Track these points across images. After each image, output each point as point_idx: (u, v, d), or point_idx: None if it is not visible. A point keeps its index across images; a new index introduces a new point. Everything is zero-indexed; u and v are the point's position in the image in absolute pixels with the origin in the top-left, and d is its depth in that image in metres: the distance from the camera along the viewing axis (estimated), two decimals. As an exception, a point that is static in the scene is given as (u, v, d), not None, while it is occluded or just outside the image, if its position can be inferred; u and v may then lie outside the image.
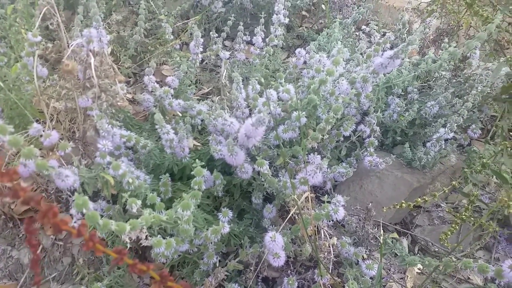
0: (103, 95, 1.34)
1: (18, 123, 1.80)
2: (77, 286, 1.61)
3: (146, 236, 1.06)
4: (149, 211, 1.09)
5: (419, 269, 1.48)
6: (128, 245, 1.03)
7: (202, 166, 1.22)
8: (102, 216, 0.91)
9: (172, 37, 2.33)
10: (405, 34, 1.87)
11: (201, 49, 1.73)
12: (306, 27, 2.88)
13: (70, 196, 1.62)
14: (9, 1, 2.34)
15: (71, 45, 1.43)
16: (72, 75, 1.33)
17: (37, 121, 1.82)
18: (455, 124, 1.52)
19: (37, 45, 1.59)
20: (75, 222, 1.14)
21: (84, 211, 0.85)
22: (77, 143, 1.67)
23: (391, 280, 1.43)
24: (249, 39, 2.09)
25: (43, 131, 1.20)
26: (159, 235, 1.11)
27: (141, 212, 1.09)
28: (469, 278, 1.47)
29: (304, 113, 1.26)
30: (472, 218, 1.36)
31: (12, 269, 1.68)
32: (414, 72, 1.59)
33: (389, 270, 1.46)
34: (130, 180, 1.19)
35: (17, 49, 2.04)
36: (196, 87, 2.42)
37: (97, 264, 1.68)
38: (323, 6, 2.76)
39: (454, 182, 1.32)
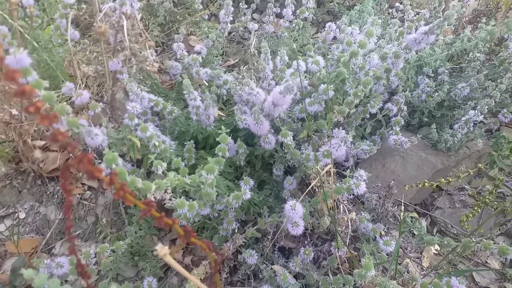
0: (133, 59, 1.35)
1: (50, 85, 1.84)
2: (99, 244, 1.68)
3: (170, 197, 1.10)
4: (173, 173, 1.11)
5: (436, 250, 1.48)
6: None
7: (229, 136, 1.24)
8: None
9: (201, 7, 2.31)
10: (441, 13, 1.81)
11: (231, 18, 1.72)
12: (337, 3, 2.81)
13: (96, 158, 1.67)
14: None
15: (104, 8, 1.45)
16: (104, 37, 1.34)
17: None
18: (486, 107, 1.49)
19: (71, 7, 1.61)
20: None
21: (114, 166, 0.88)
22: (105, 107, 1.71)
23: (407, 258, 1.43)
24: (278, 11, 2.06)
25: (75, 90, 1.23)
26: (182, 197, 1.14)
27: (165, 174, 1.12)
28: (486, 262, 1.46)
29: (332, 86, 1.25)
30: (495, 203, 1.34)
31: (39, 224, 1.76)
32: (448, 51, 1.54)
33: (406, 249, 1.47)
34: (157, 143, 1.22)
35: (49, 11, 2.07)
36: (223, 58, 2.42)
37: (119, 224, 1.74)
38: (356, -19, 2.69)
39: (480, 165, 1.29)
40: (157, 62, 2.38)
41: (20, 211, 1.77)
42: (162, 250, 0.65)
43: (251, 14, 2.20)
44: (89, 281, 0.83)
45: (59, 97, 1.62)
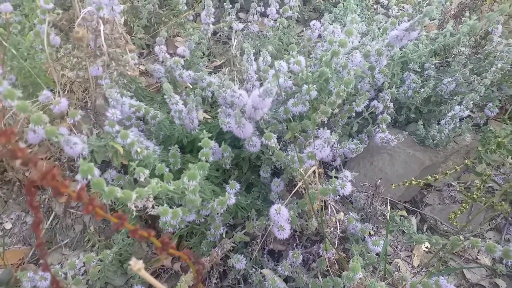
0: (113, 63, 1.33)
1: (32, 92, 1.81)
2: (88, 253, 1.65)
3: (153, 205, 1.07)
4: (156, 180, 1.09)
5: (426, 247, 1.47)
6: (134, 213, 1.04)
7: (210, 138, 1.22)
8: (112, 185, 0.92)
9: (185, 7, 2.29)
10: (424, 8, 1.79)
11: (213, 20, 1.69)
12: (323, 0, 2.80)
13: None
14: (23, -31, 2.33)
15: (82, 13, 1.42)
16: (83, 42, 1.32)
17: (50, 90, 1.83)
18: (471, 102, 1.48)
19: (49, 13, 1.58)
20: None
21: (89, 177, 0.85)
22: (89, 113, 1.68)
23: (397, 258, 1.42)
24: (263, 10, 2.04)
25: (53, 98, 1.20)
26: (166, 205, 1.11)
27: (149, 181, 1.10)
28: (477, 258, 1.45)
29: (315, 86, 1.23)
30: (484, 198, 1.33)
31: (26, 234, 1.73)
32: (431, 47, 1.53)
33: (396, 247, 1.46)
34: (139, 150, 1.20)
35: (31, 17, 2.04)
36: (209, 59, 2.40)
37: (108, 232, 1.72)
38: (341, -23, 2.67)
39: (467, 161, 1.29)
40: (142, 64, 2.35)
41: (6, 222, 1.74)
42: (136, 265, 0.63)
43: (237, 14, 2.18)
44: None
45: (39, 105, 1.59)
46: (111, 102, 1.25)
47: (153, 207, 1.08)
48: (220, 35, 2.53)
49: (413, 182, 1.26)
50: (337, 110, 1.31)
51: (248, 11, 2.78)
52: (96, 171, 0.86)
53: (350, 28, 1.18)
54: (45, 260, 0.68)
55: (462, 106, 1.50)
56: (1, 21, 1.75)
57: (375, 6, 2.21)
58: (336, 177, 1.17)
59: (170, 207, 1.13)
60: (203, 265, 0.96)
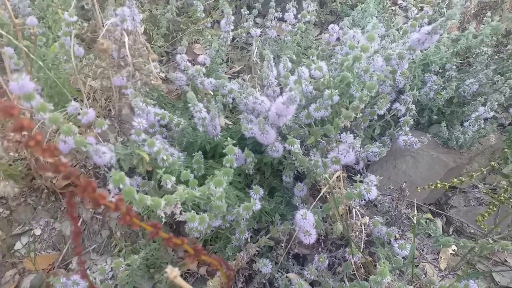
0: (137, 73, 1.36)
1: (57, 102, 1.86)
2: (115, 258, 1.69)
3: (181, 211, 1.10)
4: (183, 187, 1.12)
5: (453, 250, 1.45)
6: (163, 220, 1.06)
7: (234, 144, 1.23)
8: (137, 191, 0.94)
9: (203, 15, 2.32)
10: (444, 9, 1.78)
11: (232, 27, 1.72)
12: (340, 2, 2.79)
13: (107, 172, 1.68)
14: (46, -18, 2.40)
15: (106, 25, 1.46)
16: (107, 53, 1.36)
17: (75, 99, 1.88)
18: (496, 103, 1.46)
19: (73, 25, 1.62)
20: (112, 197, 1.18)
21: (121, 186, 0.88)
22: (113, 121, 1.72)
23: (423, 261, 1.41)
24: (280, 15, 2.06)
25: (81, 109, 1.24)
26: (192, 211, 1.14)
27: (175, 188, 1.12)
28: (506, 260, 1.43)
29: (336, 91, 1.23)
30: (511, 200, 1.31)
31: (55, 240, 1.77)
32: (453, 49, 1.52)
33: (422, 250, 1.45)
34: (165, 157, 1.22)
35: (54, 29, 2.10)
36: (227, 65, 2.42)
37: (133, 237, 1.75)
38: (357, -21, 2.66)
39: (493, 163, 1.27)
40: (162, 72, 2.39)
41: (36, 228, 1.79)
42: (172, 272, 0.65)
43: (254, 19, 2.20)
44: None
45: (66, 115, 1.63)
46: (136, 111, 1.28)
47: (180, 213, 1.11)
48: (237, 41, 2.55)
49: (438, 185, 1.25)
50: (356, 115, 1.31)
51: (265, 16, 2.81)
52: (127, 180, 0.88)
53: (372, 34, 1.19)
54: (83, 268, 0.71)
55: (486, 107, 1.48)
56: (26, 33, 1.81)
57: (393, 8, 2.20)
58: (361, 182, 1.17)
59: (197, 213, 1.15)
60: (233, 271, 0.97)
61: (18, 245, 1.72)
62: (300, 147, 1.29)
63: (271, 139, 1.23)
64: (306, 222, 1.13)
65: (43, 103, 0.96)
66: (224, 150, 1.22)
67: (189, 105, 1.31)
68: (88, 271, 1.62)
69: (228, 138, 1.20)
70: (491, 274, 1.38)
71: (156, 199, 0.99)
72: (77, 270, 1.61)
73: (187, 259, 0.71)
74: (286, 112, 1.06)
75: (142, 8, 2.41)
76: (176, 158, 1.35)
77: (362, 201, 1.16)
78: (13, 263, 1.68)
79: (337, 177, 1.23)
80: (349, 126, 1.33)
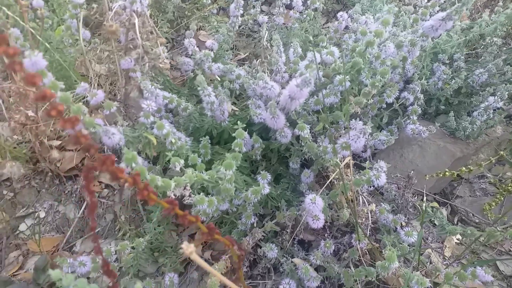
0: (145, 57, 1.35)
1: (64, 85, 1.85)
2: (119, 241, 1.69)
3: (190, 193, 1.10)
4: (191, 170, 1.11)
5: (457, 239, 1.46)
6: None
7: (244, 130, 1.23)
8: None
9: (209, 1, 2.30)
10: (455, -3, 1.77)
11: (241, 12, 1.70)
12: (346, -9, 2.77)
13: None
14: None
15: (114, 7, 1.44)
16: (116, 36, 1.34)
17: (79, 83, 1.87)
18: (506, 92, 1.45)
19: (81, 7, 1.61)
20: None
21: (133, 165, 0.88)
22: (119, 105, 1.72)
23: (428, 248, 1.42)
24: (288, 2, 2.04)
25: (90, 90, 1.23)
26: (202, 193, 1.14)
27: (183, 171, 1.12)
28: (510, 250, 1.43)
29: (347, 77, 1.23)
30: (518, 190, 1.31)
31: (59, 223, 1.78)
32: (465, 37, 1.51)
33: (427, 239, 1.45)
34: (173, 140, 1.22)
35: (59, 12, 2.08)
36: (233, 52, 2.41)
37: (137, 221, 1.75)
38: (365, -32, 2.64)
39: (502, 152, 1.27)
40: (167, 58, 2.38)
41: (40, 211, 1.79)
42: (188, 248, 0.65)
43: (260, 6, 2.18)
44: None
45: (73, 97, 1.62)
46: (145, 94, 1.27)
47: (189, 196, 1.11)
48: (243, 28, 2.53)
49: (447, 173, 1.25)
50: (368, 101, 1.31)
51: (271, 4, 2.79)
52: (140, 159, 0.88)
53: (387, 18, 1.18)
54: (98, 243, 0.70)
55: (496, 97, 1.47)
56: (30, 17, 1.79)
57: (401, -3, 2.18)
58: (370, 168, 1.17)
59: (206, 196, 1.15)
60: (245, 251, 0.97)
61: (22, 227, 1.72)
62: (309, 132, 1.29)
63: (281, 124, 1.22)
64: (315, 206, 1.13)
65: (54, 81, 0.96)
66: (233, 134, 1.22)
67: (199, 88, 1.30)
68: (92, 254, 1.63)
69: (238, 122, 1.20)
70: (495, 263, 1.39)
71: (166, 180, 0.99)
72: (91, 246, 1.62)
73: (204, 238, 0.71)
74: (299, 94, 1.05)
75: (148, -7, 2.39)
76: (184, 142, 1.35)
77: (370, 187, 1.16)
78: (17, 244, 1.68)
79: (345, 164, 1.23)
80: (358, 114, 1.33)
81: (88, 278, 1.53)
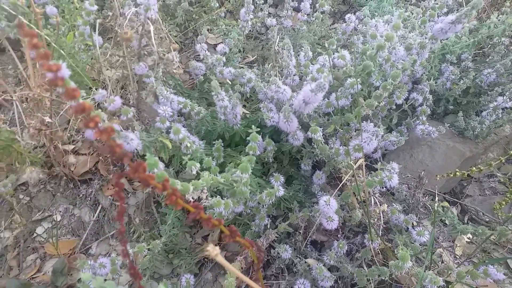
0: (160, 62, 1.38)
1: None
2: (134, 244, 1.72)
3: (206, 196, 1.12)
4: (207, 173, 1.14)
5: (468, 238, 1.47)
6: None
7: (257, 133, 1.26)
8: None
9: (217, 4, 2.32)
10: (463, -1, 1.79)
11: (252, 17, 1.73)
12: (352, -7, 2.79)
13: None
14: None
15: (128, 14, 1.47)
16: (130, 42, 1.37)
17: (89, 88, 1.91)
18: (515, 92, 1.47)
19: (94, 14, 1.64)
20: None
21: (155, 170, 0.90)
22: (132, 109, 1.75)
23: (439, 248, 1.44)
24: (295, 5, 2.06)
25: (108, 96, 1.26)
26: (218, 196, 1.16)
27: (198, 174, 1.15)
28: (521, 248, 1.45)
29: (358, 80, 1.25)
30: (528, 189, 1.33)
31: (75, 226, 1.81)
32: (474, 38, 1.53)
33: (438, 238, 1.47)
34: (188, 144, 1.25)
35: (70, 18, 2.11)
36: (241, 55, 2.43)
37: (151, 223, 1.79)
38: (371, -31, 2.66)
39: (511, 152, 1.29)
40: (178, 58, 2.41)
41: (56, 214, 1.82)
42: (214, 250, 0.67)
43: (267, 9, 2.20)
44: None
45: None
46: (161, 99, 1.30)
47: (206, 198, 1.14)
48: (251, 31, 2.55)
49: (457, 173, 1.27)
50: (378, 103, 1.33)
51: (277, 6, 2.81)
52: (161, 165, 0.91)
53: (397, 22, 1.20)
54: (125, 246, 0.73)
55: (505, 97, 1.49)
56: (42, 23, 1.82)
57: (408, -2, 2.20)
58: (382, 169, 1.19)
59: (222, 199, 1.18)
60: (264, 253, 1.00)
61: (39, 231, 1.75)
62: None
63: (294, 127, 1.25)
64: (329, 208, 1.16)
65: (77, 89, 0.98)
66: (248, 138, 1.24)
67: (212, 93, 1.33)
68: (108, 256, 1.66)
69: (252, 127, 1.22)
70: (506, 261, 1.41)
71: (185, 184, 1.02)
72: (119, 250, 1.65)
73: (226, 240, 0.74)
74: (314, 99, 1.07)
75: (156, -3, 2.42)
76: (198, 146, 1.38)
77: (382, 188, 1.19)
78: (34, 248, 1.72)
79: (358, 165, 1.25)
80: (369, 115, 1.35)
81: (104, 280, 1.56)
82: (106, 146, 0.59)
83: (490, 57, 1.72)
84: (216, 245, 1.67)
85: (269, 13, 2.73)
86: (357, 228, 1.46)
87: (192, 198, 1.06)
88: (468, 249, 1.45)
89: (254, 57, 2.43)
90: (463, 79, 1.62)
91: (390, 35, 1.18)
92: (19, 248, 1.69)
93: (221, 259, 0.69)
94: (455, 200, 1.62)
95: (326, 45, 1.37)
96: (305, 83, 1.32)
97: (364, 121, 1.37)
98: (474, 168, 1.28)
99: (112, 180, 1.81)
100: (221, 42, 2.37)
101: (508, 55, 1.64)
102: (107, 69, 1.99)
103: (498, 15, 1.54)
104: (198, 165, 1.17)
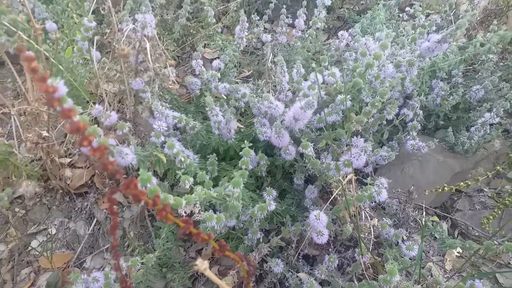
0: (156, 79, 1.41)
1: (74, 104, 1.91)
2: (128, 257, 1.73)
3: (199, 210, 1.14)
4: (200, 187, 1.16)
5: (458, 252, 1.49)
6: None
7: (249, 147, 1.28)
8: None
9: (214, 20, 2.37)
10: (452, 16, 1.83)
11: (246, 34, 1.77)
12: (347, 8, 2.85)
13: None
14: (60, -13, 2.46)
15: (125, 30, 1.51)
16: (127, 58, 1.41)
17: (87, 102, 1.94)
18: (502, 109, 1.50)
19: (92, 30, 1.67)
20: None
21: (148, 185, 0.93)
22: (129, 123, 1.77)
23: (430, 262, 1.46)
24: (290, 21, 2.10)
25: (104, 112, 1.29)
26: (210, 210, 1.18)
27: (191, 188, 1.17)
28: (509, 263, 1.47)
29: (348, 96, 1.28)
30: (516, 204, 1.36)
31: (70, 240, 1.82)
32: (461, 56, 1.57)
33: (428, 252, 1.49)
34: (183, 159, 1.27)
35: (69, 33, 2.15)
36: (237, 70, 2.47)
37: (145, 237, 1.80)
38: (365, -14, 2.72)
39: (498, 167, 1.31)
40: (174, 74, 2.44)
41: (51, 227, 1.83)
42: (202, 265, 0.69)
43: (263, 24, 2.25)
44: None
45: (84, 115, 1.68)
46: (156, 114, 1.33)
47: (199, 213, 1.16)
48: (247, 46, 2.60)
49: (445, 188, 1.29)
50: (368, 120, 1.36)
51: (273, 22, 2.86)
52: (154, 180, 0.93)
53: (385, 42, 1.24)
54: (118, 261, 0.75)
55: (492, 113, 1.52)
56: (42, 37, 1.86)
57: (400, 15, 2.25)
58: (372, 184, 1.22)
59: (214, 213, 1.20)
60: (254, 267, 1.01)
61: (33, 244, 1.76)
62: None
63: (286, 142, 1.27)
64: (320, 222, 1.18)
65: (74, 106, 1.01)
66: (240, 153, 1.27)
67: (207, 109, 1.36)
68: (102, 270, 1.67)
69: (244, 141, 1.25)
70: (495, 275, 1.42)
71: (178, 198, 1.04)
72: (113, 264, 1.66)
73: (216, 254, 0.76)
74: (303, 116, 1.11)
75: (154, 13, 2.46)
76: (192, 160, 1.40)
77: (372, 203, 1.21)
78: (29, 261, 1.72)
79: (348, 180, 1.28)
80: (360, 130, 1.38)
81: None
82: (100, 163, 0.61)
83: (479, 74, 1.76)
84: (209, 259, 1.68)
85: (265, 28, 2.78)
86: (348, 242, 1.47)
87: (185, 212, 1.08)
88: (458, 264, 1.47)
89: (250, 72, 2.47)
90: (452, 95, 1.66)
91: (378, 54, 1.21)
92: (14, 262, 1.69)
93: (209, 274, 0.71)
94: (446, 214, 1.64)
95: (315, 64, 1.40)
96: (297, 99, 1.35)
97: (355, 136, 1.40)
98: (462, 183, 1.31)
99: (107, 196, 1.83)
100: (218, 57, 2.41)
101: (496, 72, 1.68)
102: (105, 83, 2.02)
103: (485, 33, 1.58)
104: (191, 179, 1.19)
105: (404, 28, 1.82)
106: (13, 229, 1.73)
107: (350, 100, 1.35)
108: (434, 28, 1.61)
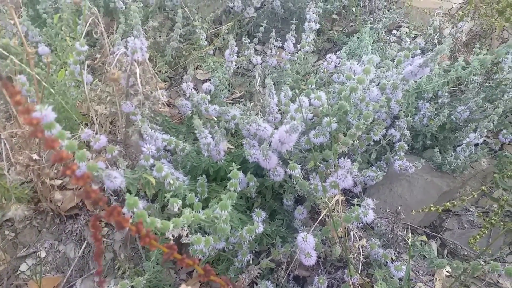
0: (146, 102, 1.43)
1: (65, 126, 1.93)
2: (118, 280, 1.72)
3: (187, 233, 1.15)
4: (189, 210, 1.17)
5: (448, 272, 1.50)
6: (171, 241, 1.11)
7: (237, 169, 1.30)
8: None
9: (206, 42, 2.41)
10: (436, 39, 1.89)
11: (236, 57, 1.81)
12: (336, 30, 2.92)
13: (111, 195, 1.74)
14: (54, 11, 2.50)
15: (116, 54, 1.54)
16: (118, 82, 1.43)
17: (79, 124, 1.96)
18: (486, 129, 1.53)
19: (84, 54, 1.70)
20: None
21: (135, 209, 0.94)
22: (119, 146, 1.79)
23: (419, 282, 1.46)
24: (280, 44, 2.15)
25: (93, 135, 1.30)
26: (198, 233, 1.19)
27: (180, 211, 1.18)
28: (498, 282, 1.48)
29: (334, 118, 1.31)
30: (502, 223, 1.37)
31: (59, 263, 1.81)
32: (444, 79, 1.61)
33: (418, 272, 1.49)
34: (171, 181, 1.28)
35: (62, 56, 2.18)
36: (229, 91, 2.51)
37: (136, 259, 1.79)
38: (353, 9, 2.79)
39: (483, 187, 1.34)
40: (165, 96, 2.47)
41: (41, 250, 1.82)
42: (186, 291, 0.70)
43: (254, 46, 2.29)
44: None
45: (74, 138, 1.70)
46: (145, 137, 1.35)
47: (187, 236, 1.16)
48: (238, 67, 2.64)
49: (432, 208, 1.31)
50: (354, 142, 1.38)
51: (264, 43, 2.92)
52: (141, 204, 0.94)
53: (367, 67, 1.27)
54: (103, 287, 0.76)
55: (477, 134, 1.55)
56: (35, 60, 1.89)
57: (387, 37, 2.31)
58: (359, 205, 1.23)
59: (203, 236, 1.20)
60: (240, 291, 1.02)
61: (23, 267, 1.75)
62: (300, 171, 1.36)
63: (273, 164, 1.29)
64: (307, 244, 1.18)
65: (61, 131, 1.02)
66: (228, 175, 1.28)
67: (196, 131, 1.38)
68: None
69: (233, 163, 1.27)
70: (485, 295, 1.43)
71: (165, 222, 1.05)
72: (92, 287, 1.65)
73: (201, 279, 0.77)
74: (288, 140, 1.13)
75: (147, 35, 2.51)
76: (182, 182, 1.41)
77: (360, 224, 1.22)
78: (18, 285, 1.70)
79: (336, 201, 1.29)
80: (347, 151, 1.40)
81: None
82: (83, 191, 0.63)
83: (464, 95, 1.80)
84: (201, 281, 1.68)
85: (256, 50, 2.83)
86: (338, 263, 1.48)
87: (173, 236, 1.08)
88: (447, 283, 1.47)
89: (242, 93, 2.51)
90: (439, 116, 1.69)
91: (361, 79, 1.25)
92: (3, 286, 1.68)
93: (193, 299, 0.72)
94: (435, 234, 1.66)
95: (304, 86, 1.43)
96: (285, 121, 1.38)
97: (343, 157, 1.42)
98: (448, 203, 1.33)
99: (90, 224, 1.83)
100: (209, 79, 2.45)
101: (480, 93, 1.72)
102: (97, 104, 2.04)
103: (468, 56, 1.63)
104: (180, 202, 1.20)
105: (389, 51, 1.87)
106: (2, 253, 1.71)
107: (336, 122, 1.38)
108: (418, 51, 1.65)
